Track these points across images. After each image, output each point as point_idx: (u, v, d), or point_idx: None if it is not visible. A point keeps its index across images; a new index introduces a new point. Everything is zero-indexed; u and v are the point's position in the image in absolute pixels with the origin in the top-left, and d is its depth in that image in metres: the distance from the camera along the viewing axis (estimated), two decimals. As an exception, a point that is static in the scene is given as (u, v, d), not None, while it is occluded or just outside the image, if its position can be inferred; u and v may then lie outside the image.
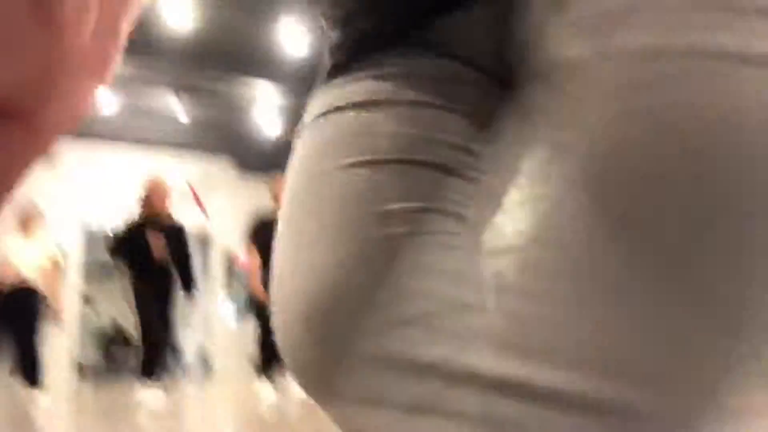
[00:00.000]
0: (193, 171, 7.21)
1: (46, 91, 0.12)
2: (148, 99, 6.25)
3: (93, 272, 7.15)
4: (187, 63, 5.44)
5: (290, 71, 5.77)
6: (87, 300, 7.41)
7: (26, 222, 3.44)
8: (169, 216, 3.42)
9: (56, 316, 3.54)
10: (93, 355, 7.64)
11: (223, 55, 5.48)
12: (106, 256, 7.70)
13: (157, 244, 3.26)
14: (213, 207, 7.23)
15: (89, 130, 6.46)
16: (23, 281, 3.26)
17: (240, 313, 7.22)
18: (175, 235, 3.39)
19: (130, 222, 3.37)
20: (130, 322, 8.26)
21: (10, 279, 3.22)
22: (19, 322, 3.20)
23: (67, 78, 0.12)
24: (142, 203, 3.37)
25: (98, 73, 0.13)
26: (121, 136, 6.81)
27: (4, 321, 3.16)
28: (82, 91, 0.13)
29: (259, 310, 3.28)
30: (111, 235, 3.41)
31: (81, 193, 6.50)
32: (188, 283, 3.40)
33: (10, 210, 3.41)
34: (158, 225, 3.32)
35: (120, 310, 8.44)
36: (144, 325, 3.28)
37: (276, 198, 3.38)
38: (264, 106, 6.61)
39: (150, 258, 3.23)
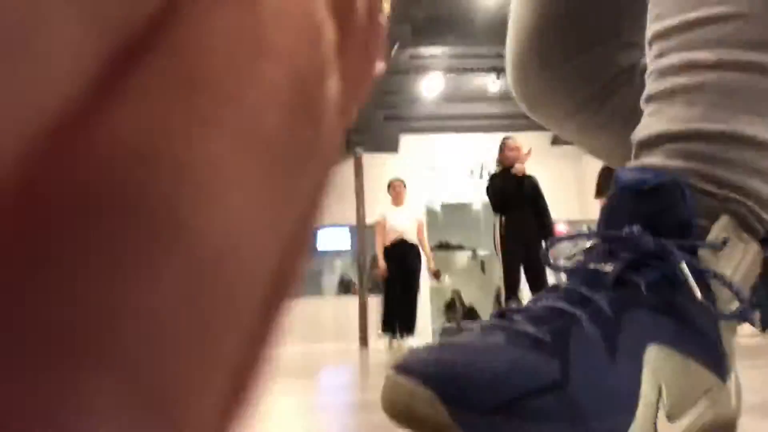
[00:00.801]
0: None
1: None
2: (468, 82, 6.83)
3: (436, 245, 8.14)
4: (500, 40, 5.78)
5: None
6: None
7: (396, 195, 4.31)
8: (522, 169, 3.82)
9: (430, 268, 4.32)
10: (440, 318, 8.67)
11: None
12: (442, 234, 8.53)
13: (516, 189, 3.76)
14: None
15: (420, 118, 7.37)
16: (402, 237, 4.23)
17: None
18: (530, 184, 3.79)
19: (495, 172, 3.90)
20: (467, 293, 9.10)
21: (392, 237, 4.25)
22: (404, 269, 4.10)
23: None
24: (498, 160, 3.89)
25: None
26: (447, 124, 7.55)
27: (394, 266, 4.11)
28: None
29: None
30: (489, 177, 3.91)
31: (420, 175, 7.43)
32: (545, 226, 3.72)
33: (388, 189, 4.38)
34: (513, 177, 3.79)
35: (456, 281, 9.38)
36: (509, 261, 3.66)
37: None
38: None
39: (516, 200, 3.71)
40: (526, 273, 3.71)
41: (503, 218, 3.75)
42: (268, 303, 0.08)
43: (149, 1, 0.06)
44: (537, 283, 3.62)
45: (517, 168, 3.77)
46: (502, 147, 3.93)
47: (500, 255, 3.75)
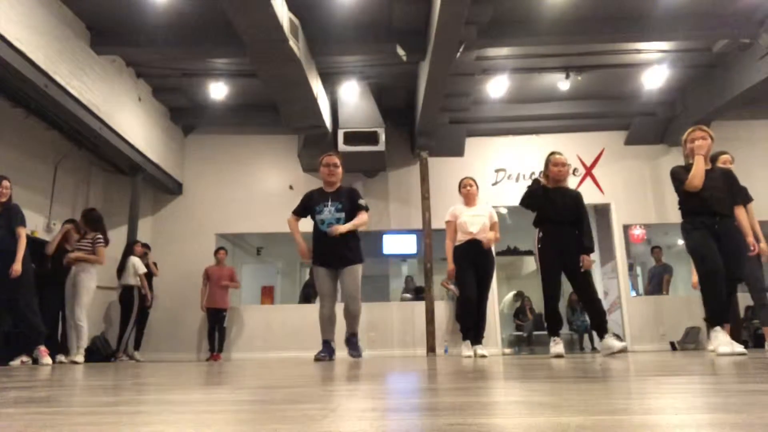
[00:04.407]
0: (585, 146, 7.34)
1: None
2: (536, 83, 6.66)
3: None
4: (572, 37, 5.58)
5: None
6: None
7: (467, 194, 4.26)
8: (565, 183, 3.80)
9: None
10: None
11: (610, 19, 5.43)
12: (509, 239, 8.33)
13: (557, 202, 3.69)
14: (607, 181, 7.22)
15: (486, 121, 7.25)
16: (473, 236, 4.24)
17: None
18: (573, 198, 3.73)
19: (535, 186, 3.81)
20: (538, 300, 8.86)
21: (463, 236, 4.26)
22: (479, 264, 4.19)
23: None
24: (543, 174, 3.84)
25: None
26: (514, 125, 7.38)
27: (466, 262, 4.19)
28: None
29: None
30: (527, 190, 3.84)
31: (486, 178, 7.32)
32: (584, 240, 3.65)
33: (459, 189, 4.35)
34: (559, 191, 3.76)
35: (525, 288, 9.13)
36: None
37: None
38: (647, 68, 6.31)
39: (554, 212, 3.67)
40: (573, 286, 3.70)
41: (540, 232, 3.74)
42: None
43: None
44: (586, 295, 3.61)
45: (562, 183, 3.76)
46: (548, 162, 3.85)
47: (539, 268, 3.74)
